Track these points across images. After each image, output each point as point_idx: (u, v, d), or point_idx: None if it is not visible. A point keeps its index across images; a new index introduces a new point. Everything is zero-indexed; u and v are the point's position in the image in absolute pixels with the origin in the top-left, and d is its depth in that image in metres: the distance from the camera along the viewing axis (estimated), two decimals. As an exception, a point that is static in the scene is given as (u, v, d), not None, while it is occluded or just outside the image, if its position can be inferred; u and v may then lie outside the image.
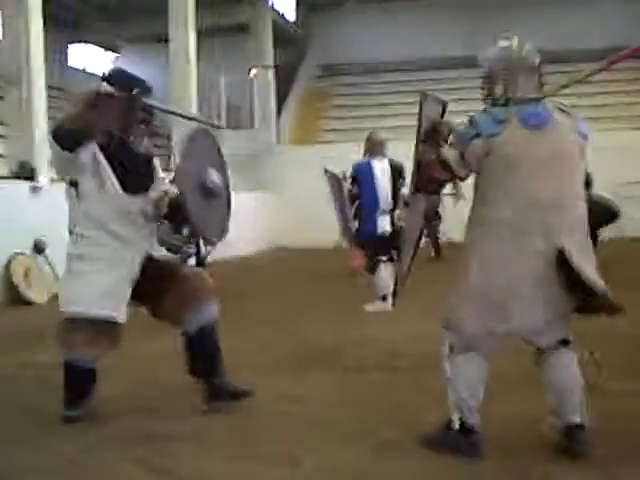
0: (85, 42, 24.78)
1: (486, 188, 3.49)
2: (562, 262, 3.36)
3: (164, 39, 16.43)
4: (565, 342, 3.56)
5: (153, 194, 4.20)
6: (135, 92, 4.06)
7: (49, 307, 9.02)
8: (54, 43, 18.59)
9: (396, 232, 8.16)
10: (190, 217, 4.06)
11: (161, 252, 4.32)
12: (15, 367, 5.69)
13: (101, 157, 4.03)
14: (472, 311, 3.45)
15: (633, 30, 20.24)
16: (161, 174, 4.34)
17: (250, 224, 15.47)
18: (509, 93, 3.51)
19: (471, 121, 3.48)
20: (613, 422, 3.85)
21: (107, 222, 4.06)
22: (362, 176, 8.22)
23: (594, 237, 11.21)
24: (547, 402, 3.63)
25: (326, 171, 9.00)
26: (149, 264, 4.18)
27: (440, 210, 13.57)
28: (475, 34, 23.22)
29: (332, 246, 13.86)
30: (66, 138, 3.95)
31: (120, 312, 4.09)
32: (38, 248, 10.02)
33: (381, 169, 8.21)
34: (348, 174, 8.57)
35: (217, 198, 4.21)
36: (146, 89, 4.15)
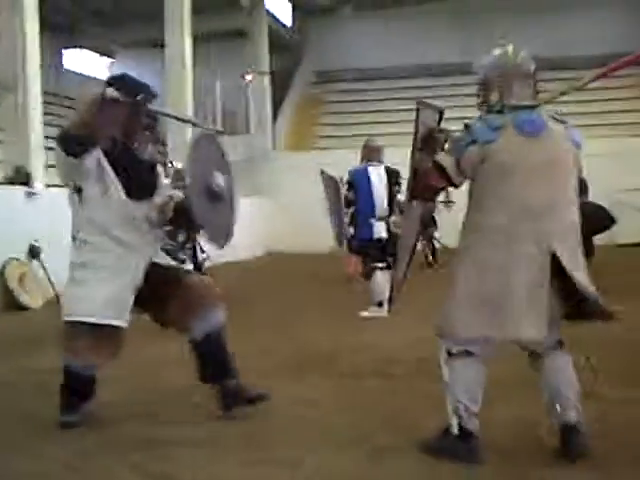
0: (80, 47, 24.81)
1: (480, 195, 3.50)
2: (555, 267, 3.39)
3: (160, 44, 16.44)
4: (559, 344, 3.59)
5: (158, 199, 4.18)
6: (140, 97, 4.05)
7: (44, 312, 9.02)
8: (49, 48, 18.61)
9: (392, 238, 8.17)
10: (197, 221, 4.05)
11: (166, 259, 4.29)
12: (10, 372, 5.66)
13: (105, 163, 4.01)
14: (466, 318, 3.46)
15: (633, 37, 20.39)
16: (165, 180, 4.33)
17: (246, 229, 15.41)
18: (504, 100, 3.52)
19: (467, 128, 3.49)
20: (610, 427, 3.88)
21: (111, 228, 4.04)
22: (358, 182, 8.23)
23: (590, 244, 11.32)
24: (544, 403, 3.64)
25: (322, 172, 8.98)
26: (153, 270, 4.15)
27: (436, 216, 13.59)
28: (470, 41, 23.30)
29: (327, 251, 13.86)
30: (71, 144, 3.92)
31: (123, 319, 4.06)
32: (33, 253, 9.99)
33: (377, 175, 8.23)
34: (344, 180, 8.57)
35: (223, 202, 4.19)
36: (151, 94, 4.13)
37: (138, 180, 4.09)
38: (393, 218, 8.21)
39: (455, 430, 3.50)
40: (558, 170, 3.47)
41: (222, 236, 4.31)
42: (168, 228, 4.37)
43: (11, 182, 10.56)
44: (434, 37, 23.71)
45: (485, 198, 3.47)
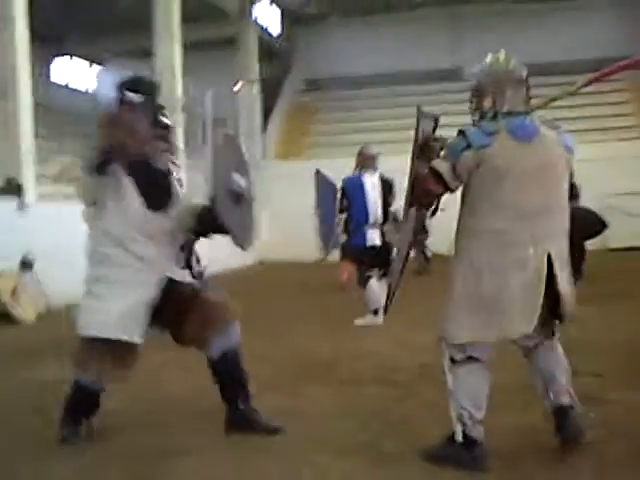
0: (70, 55, 24.76)
1: (475, 199, 3.54)
2: (548, 268, 3.48)
3: (149, 53, 16.42)
4: (551, 334, 3.71)
5: (174, 210, 4.10)
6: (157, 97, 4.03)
7: (38, 325, 8.97)
8: (38, 58, 18.56)
9: (386, 246, 8.17)
10: (224, 224, 3.95)
11: (182, 273, 4.17)
12: (7, 387, 5.62)
13: (122, 174, 3.94)
14: (464, 320, 3.50)
15: (624, 41, 20.55)
16: (181, 190, 4.21)
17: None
18: (497, 106, 3.57)
19: (461, 133, 3.53)
20: (615, 432, 3.88)
21: (127, 241, 3.95)
22: (352, 190, 8.21)
23: (582, 249, 11.34)
24: (538, 389, 3.74)
25: (318, 172, 8.88)
26: (170, 286, 4.04)
27: (427, 224, 13.59)
28: (459, 46, 23.46)
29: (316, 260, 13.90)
30: (99, 168, 3.86)
31: (137, 335, 3.97)
32: (25, 265, 9.93)
33: (371, 184, 8.21)
34: (338, 187, 8.56)
35: (245, 202, 4.14)
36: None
37: (154, 190, 4.01)
38: (387, 226, 8.21)
39: (459, 438, 3.50)
40: (550, 175, 3.53)
41: (247, 237, 4.25)
42: (199, 235, 4.26)
43: (2, 193, 10.50)
44: (425, 43, 23.79)
45: (479, 202, 3.52)
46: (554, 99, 4.50)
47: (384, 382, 5.31)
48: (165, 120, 4.12)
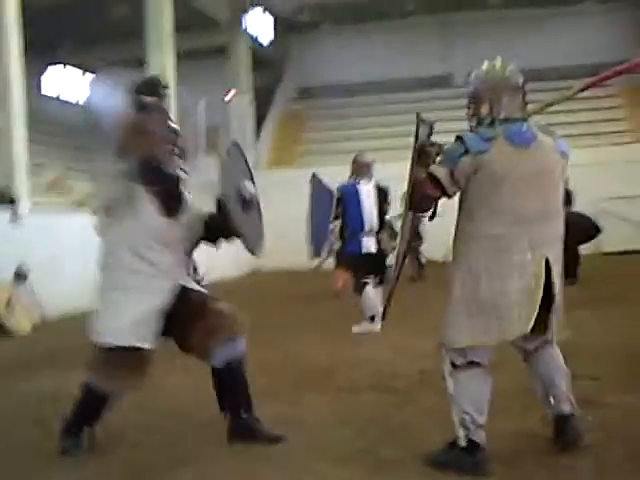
0: (63, 64, 24.72)
1: (472, 205, 3.57)
2: (546, 273, 3.51)
3: (142, 62, 16.41)
4: (550, 341, 3.74)
5: (184, 217, 4.07)
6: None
7: (33, 337, 8.93)
8: (30, 68, 18.54)
9: (382, 254, 8.17)
10: (237, 230, 3.96)
11: (190, 281, 4.16)
12: (2, 398, 5.59)
13: (137, 180, 3.92)
14: (464, 325, 3.52)
15: (617, 47, 20.65)
16: (189, 196, 4.20)
17: (230, 247, 15.35)
18: (494, 113, 3.60)
19: (459, 138, 3.55)
20: (613, 435, 3.89)
21: (141, 248, 3.91)
22: (348, 197, 8.21)
23: (576, 253, 11.35)
24: (538, 395, 3.78)
25: (314, 176, 8.84)
26: (180, 293, 4.02)
27: (421, 230, 13.61)
28: (450, 53, 23.52)
29: (312, 268, 13.91)
30: (139, 169, 3.87)
31: (149, 342, 3.93)
32: (20, 276, 9.89)
33: (367, 192, 8.21)
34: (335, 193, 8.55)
35: (253, 209, 4.16)
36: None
37: (167, 196, 3.99)
38: (383, 235, 8.21)
39: (463, 442, 3.51)
40: (548, 180, 3.56)
41: (258, 243, 4.25)
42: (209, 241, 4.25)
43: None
44: (416, 50, 23.85)
45: (477, 208, 3.54)
46: (551, 104, 4.52)
47: (383, 389, 5.30)
48: (174, 125, 4.11)
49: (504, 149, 3.48)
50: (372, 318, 7.99)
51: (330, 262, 12.57)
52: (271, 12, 24.22)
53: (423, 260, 14.31)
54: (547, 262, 3.52)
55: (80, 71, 25.52)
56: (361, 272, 8.16)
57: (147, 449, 4.10)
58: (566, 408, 3.68)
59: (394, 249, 7.96)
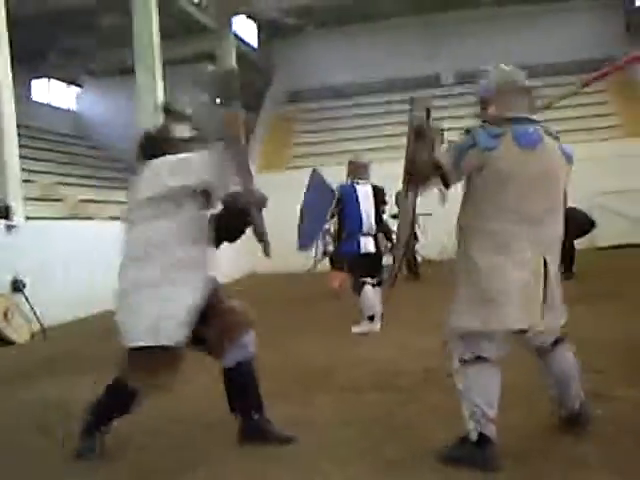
0: (48, 77, 24.69)
1: (477, 201, 3.61)
2: (544, 271, 3.58)
3: (129, 71, 16.38)
4: (561, 339, 3.84)
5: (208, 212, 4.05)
6: None
7: (31, 346, 8.88)
8: (18, 78, 18.48)
9: (380, 254, 8.17)
10: (264, 236, 3.94)
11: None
12: (6, 407, 5.57)
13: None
14: (467, 310, 3.58)
15: (605, 43, 20.73)
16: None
17: (225, 251, 15.30)
18: (502, 114, 3.64)
19: (468, 131, 3.60)
20: (621, 427, 3.92)
21: (174, 246, 3.83)
22: (346, 198, 8.21)
23: (571, 248, 11.35)
24: (552, 396, 3.88)
25: (314, 171, 8.76)
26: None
27: (417, 230, 13.62)
28: (437, 52, 23.53)
29: (307, 270, 13.96)
30: None
31: (181, 340, 3.82)
32: (16, 287, 9.86)
33: (364, 193, 8.22)
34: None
35: (260, 212, 4.10)
36: None
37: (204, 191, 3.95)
38: (380, 235, 8.22)
39: (474, 437, 3.52)
40: (552, 182, 3.62)
41: (267, 243, 4.15)
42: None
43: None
44: (402, 51, 23.86)
45: (482, 205, 3.59)
46: (559, 99, 4.56)
47: (387, 388, 5.31)
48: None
49: (511, 149, 3.52)
50: (371, 318, 7.99)
51: (325, 263, 12.63)
52: (255, 18, 24.24)
53: (419, 259, 14.32)
54: (545, 262, 3.57)
55: (65, 83, 25.52)
56: (359, 272, 8.17)
57: (155, 452, 4.10)
58: (577, 405, 3.82)
59: (390, 249, 8.01)
